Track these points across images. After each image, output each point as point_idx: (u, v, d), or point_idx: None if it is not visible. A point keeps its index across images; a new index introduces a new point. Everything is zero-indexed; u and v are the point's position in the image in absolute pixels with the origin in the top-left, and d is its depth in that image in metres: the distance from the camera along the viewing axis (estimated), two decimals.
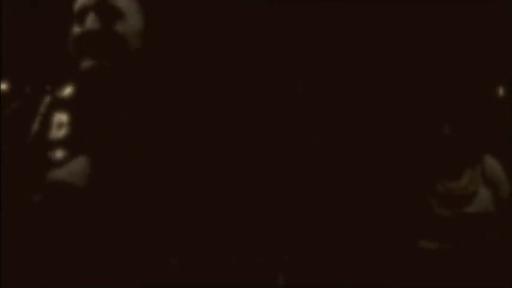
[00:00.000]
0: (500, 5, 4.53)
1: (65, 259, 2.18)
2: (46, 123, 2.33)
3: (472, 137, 3.68)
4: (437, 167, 3.64)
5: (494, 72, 4.63)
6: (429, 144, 3.67)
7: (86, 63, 2.32)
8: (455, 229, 3.51)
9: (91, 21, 2.36)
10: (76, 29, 2.38)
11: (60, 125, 2.31)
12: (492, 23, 4.59)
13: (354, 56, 4.63)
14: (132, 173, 2.22)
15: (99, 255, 2.18)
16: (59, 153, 2.25)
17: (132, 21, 2.42)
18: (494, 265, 3.46)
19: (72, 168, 2.20)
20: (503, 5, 4.52)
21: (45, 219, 2.19)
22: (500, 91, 4.65)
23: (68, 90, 2.39)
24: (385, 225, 3.88)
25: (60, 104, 2.35)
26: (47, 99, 2.39)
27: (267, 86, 4.61)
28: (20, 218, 2.22)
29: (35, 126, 2.35)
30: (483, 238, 3.50)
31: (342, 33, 4.66)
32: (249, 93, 4.57)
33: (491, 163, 3.66)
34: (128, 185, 2.21)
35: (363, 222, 4.17)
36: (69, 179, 2.19)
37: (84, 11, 2.38)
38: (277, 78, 4.61)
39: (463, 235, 3.49)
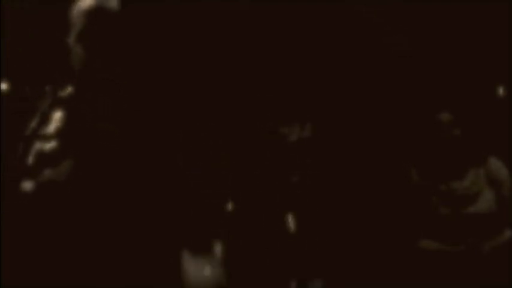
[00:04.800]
0: (500, 5, 4.53)
1: (60, 259, 2.18)
2: (44, 120, 2.35)
3: (476, 137, 3.68)
4: (442, 167, 3.64)
5: (495, 72, 4.62)
6: (434, 144, 3.67)
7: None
8: (458, 229, 3.50)
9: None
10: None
11: (54, 121, 2.33)
12: (492, 23, 4.58)
13: (357, 57, 4.62)
14: (128, 174, 2.23)
15: (94, 256, 2.18)
16: (48, 146, 2.27)
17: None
18: (496, 265, 3.46)
19: (62, 168, 2.21)
20: (503, 5, 4.52)
21: (40, 218, 2.19)
22: (500, 91, 4.65)
23: (67, 91, 2.40)
24: (387, 225, 3.87)
25: (58, 103, 2.37)
26: (47, 99, 2.41)
27: (262, 85, 4.61)
28: (17, 216, 2.23)
29: (33, 123, 2.37)
30: (486, 238, 3.49)
31: (347, 34, 4.65)
32: (242, 92, 4.57)
33: (496, 164, 3.66)
34: (125, 185, 2.21)
35: (365, 221, 4.17)
36: (59, 178, 2.20)
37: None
38: (273, 77, 4.61)
39: (467, 235, 3.48)
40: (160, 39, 4.37)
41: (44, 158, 2.26)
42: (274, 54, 4.64)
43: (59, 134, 2.28)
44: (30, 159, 2.28)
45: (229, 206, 4.21)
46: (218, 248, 3.77)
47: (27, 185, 2.23)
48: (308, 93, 4.58)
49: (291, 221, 4.21)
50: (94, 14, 2.41)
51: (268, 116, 4.53)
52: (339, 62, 4.63)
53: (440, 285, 3.50)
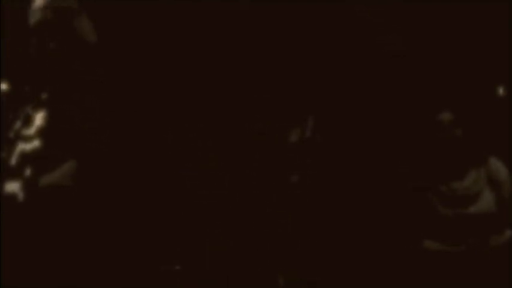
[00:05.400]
0: (500, 5, 4.53)
1: (61, 261, 2.18)
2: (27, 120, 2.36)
3: (476, 137, 3.68)
4: (442, 168, 3.64)
5: (495, 72, 4.63)
6: (434, 144, 3.67)
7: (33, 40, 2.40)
8: (458, 229, 3.51)
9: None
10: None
11: (42, 122, 2.32)
12: (492, 23, 4.58)
13: (357, 57, 4.63)
14: (122, 174, 2.22)
15: (94, 257, 2.17)
16: (39, 147, 2.27)
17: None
18: (497, 265, 3.46)
19: (64, 171, 2.20)
20: (503, 5, 4.52)
21: (40, 220, 2.19)
22: (500, 91, 4.65)
23: (56, 91, 2.40)
24: (388, 226, 3.88)
25: (47, 104, 2.36)
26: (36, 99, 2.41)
27: (263, 85, 4.60)
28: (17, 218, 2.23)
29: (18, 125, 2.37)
30: (486, 238, 3.50)
31: (347, 34, 4.66)
32: (243, 93, 4.57)
33: (496, 164, 3.66)
34: (119, 185, 2.21)
35: (366, 222, 4.17)
36: (62, 181, 2.19)
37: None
38: (273, 77, 4.61)
39: (467, 235, 3.49)
40: (157, 38, 4.37)
41: (35, 160, 2.26)
42: (272, 53, 4.64)
43: (49, 135, 2.28)
44: (21, 161, 2.28)
45: (226, 206, 4.21)
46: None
47: (23, 186, 2.23)
48: (307, 94, 4.58)
49: (290, 221, 4.21)
50: (48, 11, 2.40)
51: (266, 117, 4.53)
52: (340, 61, 4.63)
53: (441, 286, 3.50)
